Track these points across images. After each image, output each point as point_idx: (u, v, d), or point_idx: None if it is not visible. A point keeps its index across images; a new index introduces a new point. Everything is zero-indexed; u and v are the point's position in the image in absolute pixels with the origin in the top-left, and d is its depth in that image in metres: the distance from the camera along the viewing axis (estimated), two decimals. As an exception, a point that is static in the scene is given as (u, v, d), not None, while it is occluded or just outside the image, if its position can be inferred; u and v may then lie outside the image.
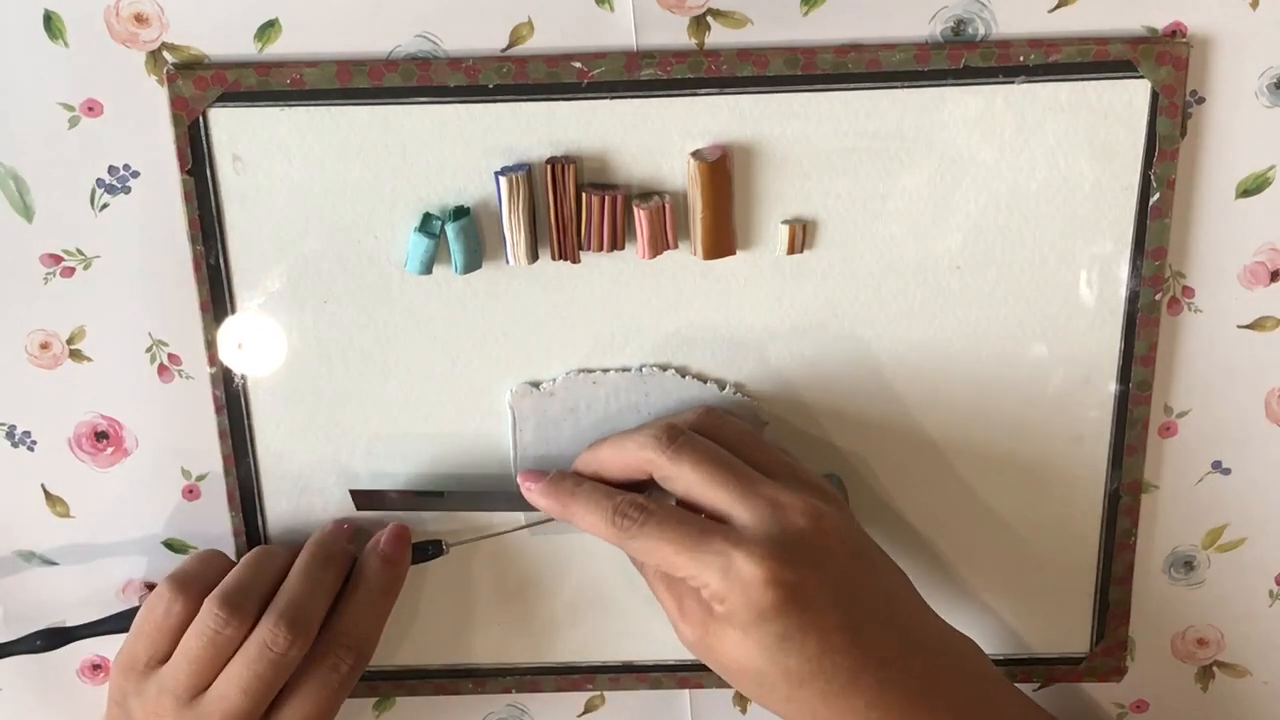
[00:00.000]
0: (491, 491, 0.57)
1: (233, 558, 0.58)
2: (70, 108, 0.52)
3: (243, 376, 0.56)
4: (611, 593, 0.60)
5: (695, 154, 0.52)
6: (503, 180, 0.52)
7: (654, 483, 0.52)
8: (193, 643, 0.53)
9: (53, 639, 0.58)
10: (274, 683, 0.53)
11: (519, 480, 0.54)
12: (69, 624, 0.58)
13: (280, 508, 0.58)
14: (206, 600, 0.53)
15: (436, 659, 0.61)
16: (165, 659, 0.54)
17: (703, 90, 0.51)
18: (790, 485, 0.51)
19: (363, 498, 0.56)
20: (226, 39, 0.51)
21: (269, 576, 0.55)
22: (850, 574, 0.49)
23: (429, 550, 0.57)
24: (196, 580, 0.55)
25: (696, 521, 0.49)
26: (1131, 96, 0.52)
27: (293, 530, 0.58)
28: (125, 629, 0.56)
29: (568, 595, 0.60)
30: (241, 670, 0.52)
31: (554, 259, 0.53)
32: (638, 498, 0.51)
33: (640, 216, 0.52)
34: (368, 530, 0.58)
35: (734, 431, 0.53)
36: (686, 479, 0.50)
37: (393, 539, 0.57)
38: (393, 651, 0.61)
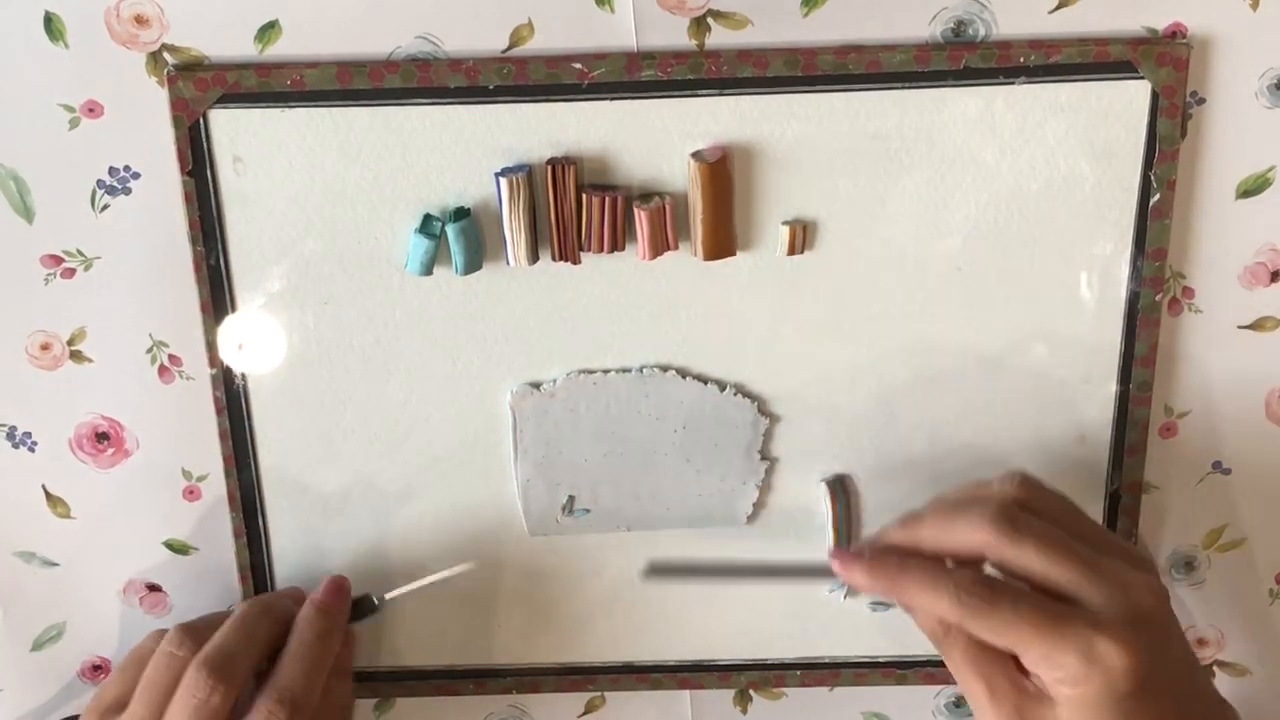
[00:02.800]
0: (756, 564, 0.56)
1: (234, 557, 0.58)
2: (71, 109, 0.52)
3: (243, 377, 0.56)
4: (612, 593, 0.60)
5: (695, 155, 0.52)
6: (503, 181, 0.52)
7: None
8: (149, 671, 0.53)
9: None
10: None
11: (832, 561, 0.50)
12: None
13: (280, 508, 0.58)
14: (190, 665, 0.52)
15: (436, 659, 0.61)
16: (127, 704, 0.53)
17: (703, 91, 0.51)
18: (1126, 560, 0.49)
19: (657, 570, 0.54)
20: (227, 40, 0.51)
21: (260, 638, 0.54)
22: (1182, 652, 0.49)
23: (362, 606, 0.57)
24: (197, 624, 0.54)
25: (1051, 602, 0.47)
26: (1132, 97, 0.52)
27: (293, 531, 0.58)
28: None
29: (568, 595, 0.60)
30: (171, 717, 0.51)
31: (554, 260, 0.53)
32: (982, 575, 0.48)
33: (640, 217, 0.52)
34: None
35: (1056, 503, 0.51)
36: (1029, 560, 0.48)
37: (328, 589, 0.56)
38: (393, 652, 0.61)
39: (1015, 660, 0.47)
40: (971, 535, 0.48)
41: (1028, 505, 0.49)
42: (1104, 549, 0.49)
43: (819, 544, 0.59)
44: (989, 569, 0.49)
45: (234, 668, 0.52)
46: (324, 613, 0.55)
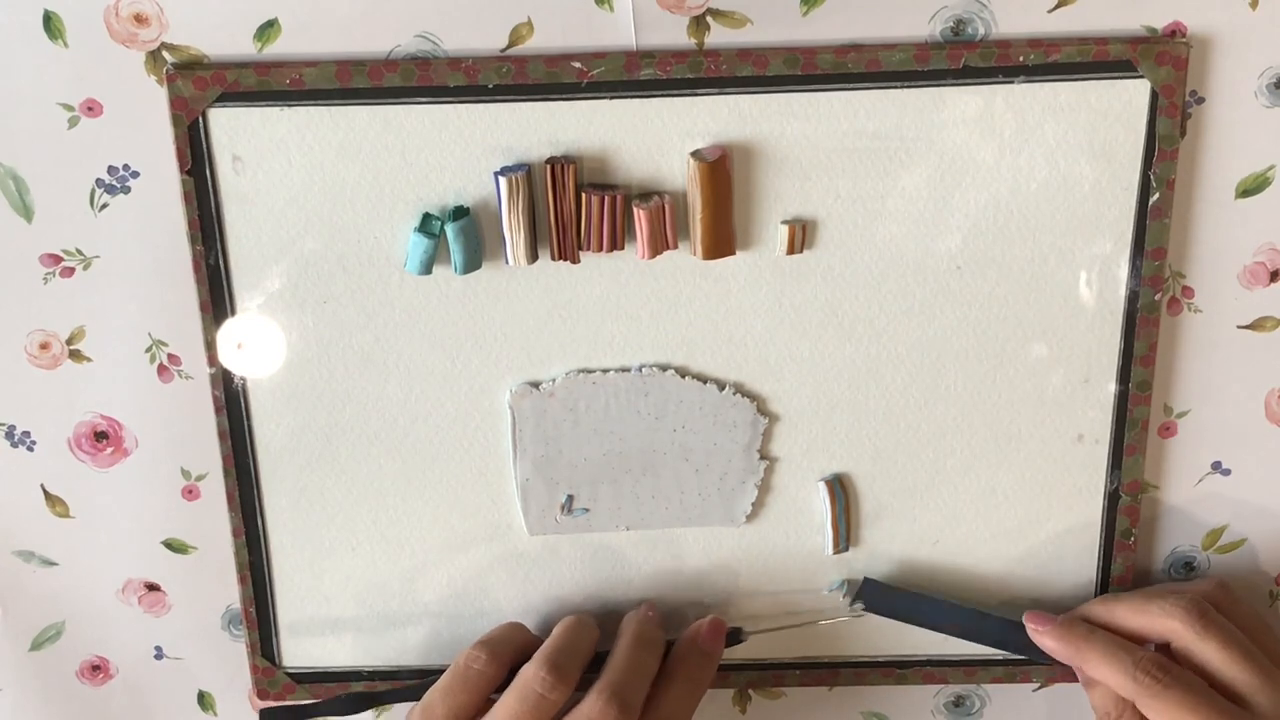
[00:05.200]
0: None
1: (232, 557, 0.58)
2: (70, 108, 0.52)
3: (242, 377, 0.56)
4: (612, 593, 0.60)
5: (695, 154, 0.52)
6: (502, 180, 0.52)
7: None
8: (512, 703, 0.53)
9: (357, 704, 0.57)
10: None
11: (1027, 620, 0.56)
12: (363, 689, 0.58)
13: (280, 508, 0.58)
14: (532, 665, 0.53)
15: (437, 659, 0.61)
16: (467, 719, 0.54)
17: (702, 90, 0.51)
18: None
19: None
20: (226, 39, 0.51)
21: (587, 647, 0.56)
22: None
23: (730, 638, 0.58)
24: (505, 645, 0.55)
25: (1221, 698, 0.51)
26: (1131, 96, 0.52)
27: (292, 531, 0.58)
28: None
29: (568, 596, 0.60)
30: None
31: (554, 259, 0.53)
32: (1161, 658, 0.52)
33: (640, 216, 0.52)
34: (676, 613, 0.59)
35: (1248, 611, 0.55)
36: (1210, 655, 0.52)
37: (713, 633, 0.57)
38: (393, 652, 0.61)
39: None
40: (1162, 621, 0.53)
41: (1221, 606, 0.54)
42: None
43: (818, 544, 0.59)
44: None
45: (633, 704, 0.53)
46: (709, 656, 0.56)
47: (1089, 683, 0.55)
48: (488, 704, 0.54)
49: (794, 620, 0.59)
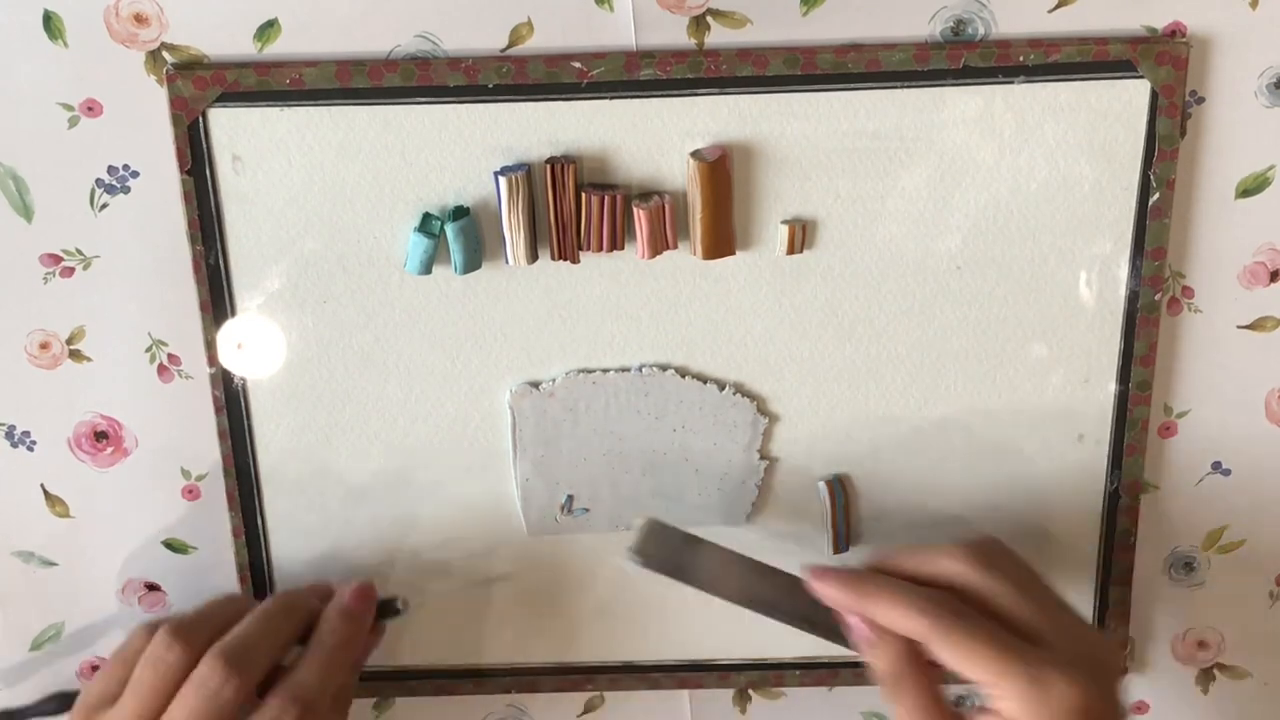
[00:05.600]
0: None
1: (233, 557, 0.58)
2: (70, 108, 0.52)
3: (242, 377, 0.56)
4: (611, 593, 0.60)
5: (695, 154, 0.52)
6: (502, 180, 0.52)
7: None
8: (138, 672, 0.52)
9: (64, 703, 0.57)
10: None
11: (806, 572, 0.52)
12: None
13: (280, 508, 0.58)
14: (159, 629, 0.52)
15: (436, 659, 0.61)
16: (116, 699, 0.52)
17: (702, 90, 0.51)
18: (1087, 626, 0.53)
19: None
20: (226, 39, 0.51)
21: (229, 617, 0.54)
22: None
23: (385, 609, 0.56)
24: (187, 624, 0.53)
25: (1013, 635, 0.49)
26: (1131, 96, 0.52)
27: (292, 530, 0.58)
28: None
29: (567, 595, 0.60)
30: (179, 706, 0.50)
31: (554, 259, 0.53)
32: (952, 596, 0.50)
33: (640, 216, 0.52)
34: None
35: (1021, 562, 0.53)
36: (1000, 592, 0.50)
37: (355, 595, 0.55)
38: (393, 652, 0.61)
39: None
40: (948, 564, 0.51)
41: (996, 553, 0.52)
42: (1067, 609, 0.52)
43: (818, 544, 0.59)
44: None
45: (251, 661, 0.51)
46: (349, 618, 0.55)
47: (872, 642, 0.51)
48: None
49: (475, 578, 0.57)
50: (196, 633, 0.52)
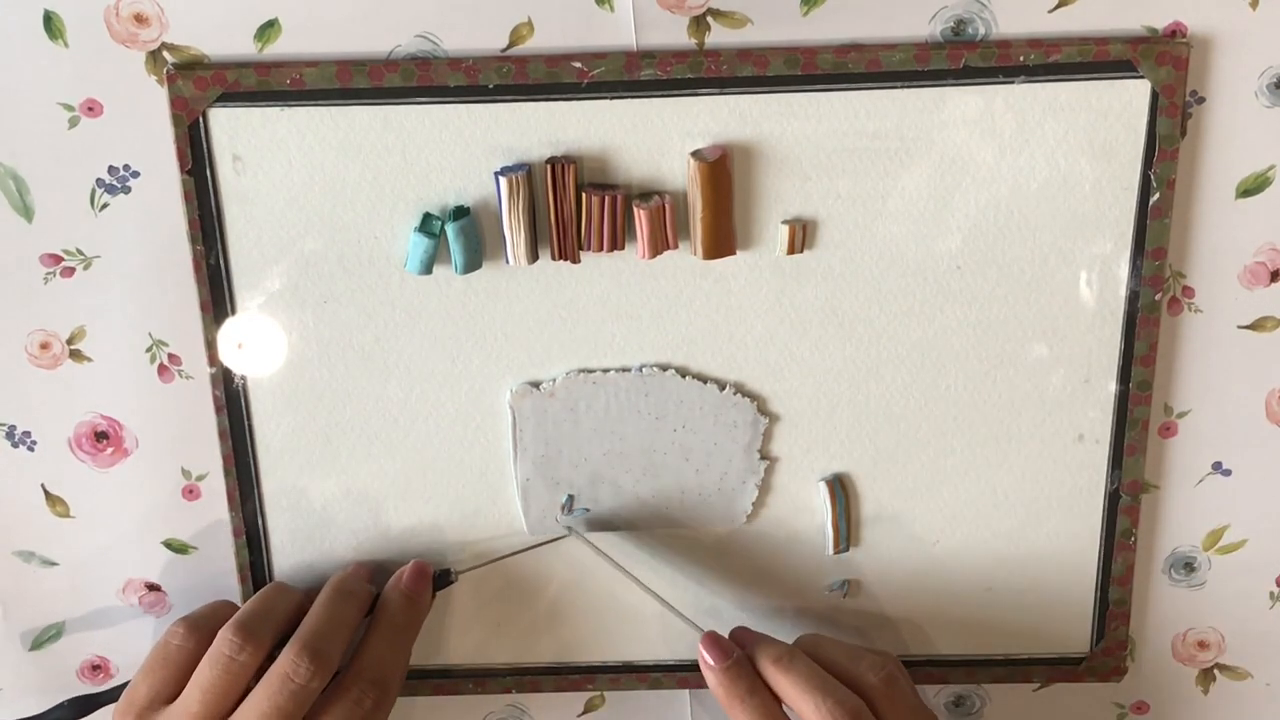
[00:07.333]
0: None
1: (233, 557, 0.58)
2: (70, 107, 0.52)
3: (243, 376, 0.56)
4: (611, 593, 0.60)
5: (695, 154, 0.52)
6: (503, 180, 0.52)
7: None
8: (206, 672, 0.52)
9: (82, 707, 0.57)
10: (293, 715, 0.52)
11: (700, 645, 0.55)
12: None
13: (280, 507, 0.58)
14: (221, 629, 0.53)
15: (437, 659, 0.61)
16: (171, 698, 0.53)
17: (703, 90, 0.51)
18: None
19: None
20: (226, 39, 0.51)
21: (283, 609, 0.55)
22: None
23: (439, 581, 0.58)
24: (207, 621, 0.55)
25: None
26: (1131, 96, 0.52)
27: (292, 530, 0.58)
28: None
29: (567, 595, 0.60)
30: (261, 700, 0.51)
31: (554, 259, 0.53)
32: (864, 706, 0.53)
33: (640, 216, 0.52)
34: (386, 569, 0.58)
35: (918, 704, 0.55)
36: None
37: (415, 575, 0.57)
38: (392, 652, 0.61)
39: None
40: (868, 674, 0.54)
41: (899, 685, 0.54)
42: None
43: (818, 544, 0.59)
44: None
45: (330, 652, 0.53)
46: (411, 600, 0.56)
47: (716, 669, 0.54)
48: (188, 680, 0.53)
49: (507, 550, 0.58)
50: (263, 631, 0.53)
